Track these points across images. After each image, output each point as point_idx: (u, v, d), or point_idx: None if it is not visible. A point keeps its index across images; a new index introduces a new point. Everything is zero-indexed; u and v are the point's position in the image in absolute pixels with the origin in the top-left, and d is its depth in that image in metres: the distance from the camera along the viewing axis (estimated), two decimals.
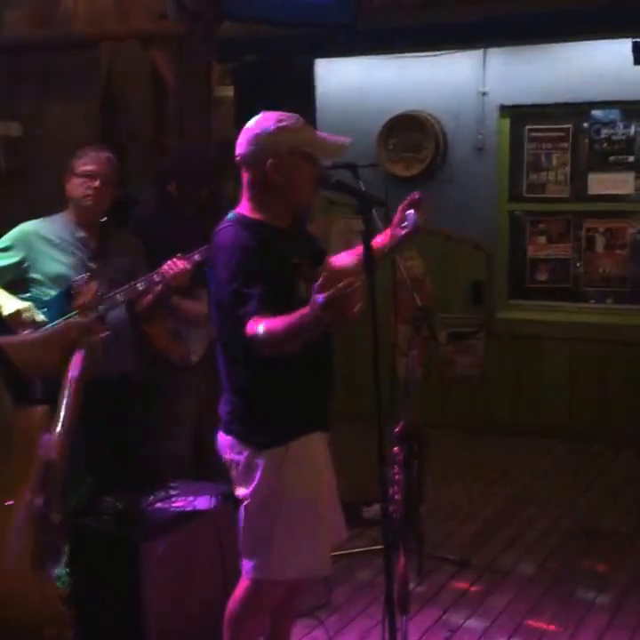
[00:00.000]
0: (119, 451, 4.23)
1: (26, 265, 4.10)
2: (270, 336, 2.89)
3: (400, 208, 3.33)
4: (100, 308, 3.97)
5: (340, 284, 2.68)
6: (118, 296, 4.02)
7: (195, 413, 4.98)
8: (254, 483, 3.10)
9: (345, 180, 3.13)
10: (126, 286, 4.03)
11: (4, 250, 4.13)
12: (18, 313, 3.91)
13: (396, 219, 3.33)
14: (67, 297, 4.02)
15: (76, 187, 4.11)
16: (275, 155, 3.03)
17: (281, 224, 3.16)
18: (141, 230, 4.73)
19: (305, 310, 2.80)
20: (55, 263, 4.11)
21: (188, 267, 4.06)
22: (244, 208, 3.15)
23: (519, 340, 7.14)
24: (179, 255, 4.07)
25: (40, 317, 3.96)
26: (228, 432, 3.17)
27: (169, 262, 4.06)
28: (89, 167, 4.10)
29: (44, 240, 4.12)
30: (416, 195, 3.35)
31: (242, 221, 3.11)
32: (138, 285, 4.05)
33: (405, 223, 3.32)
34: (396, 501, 3.90)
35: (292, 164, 3.06)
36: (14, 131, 5.06)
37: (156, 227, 4.74)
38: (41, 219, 4.21)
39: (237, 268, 2.98)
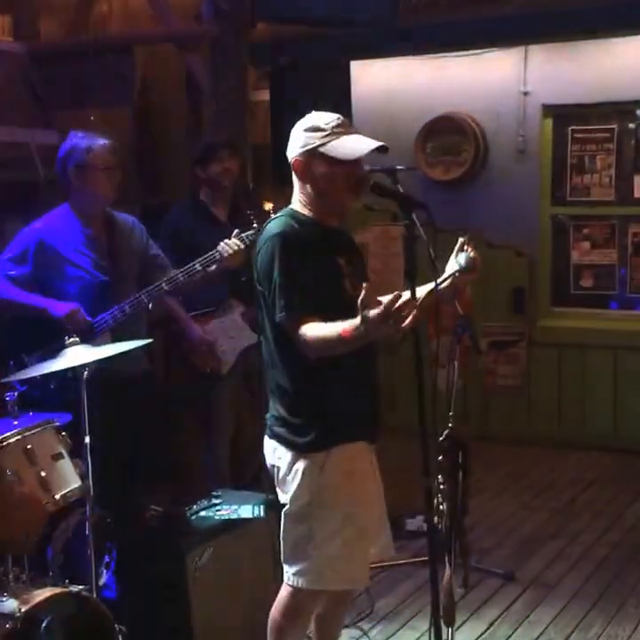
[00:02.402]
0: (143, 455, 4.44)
1: (40, 272, 4.26)
2: (316, 342, 3.06)
3: (452, 256, 3.43)
4: (164, 285, 4.22)
5: (388, 300, 2.83)
6: (180, 276, 4.23)
7: (230, 425, 5.20)
8: (294, 488, 3.24)
9: (384, 183, 3.24)
10: (189, 267, 4.23)
11: (17, 259, 4.28)
12: (75, 312, 4.12)
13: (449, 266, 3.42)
14: (103, 292, 4.25)
15: (97, 182, 4.24)
16: (298, 155, 3.22)
17: (329, 223, 3.30)
18: (176, 235, 5.00)
19: (352, 323, 2.94)
20: (69, 267, 4.26)
21: (242, 246, 4.22)
22: (294, 204, 3.32)
23: (562, 349, 7.24)
24: (236, 231, 4.23)
25: (88, 318, 4.18)
26: (271, 436, 3.32)
27: (223, 243, 4.21)
28: (105, 161, 4.24)
29: (56, 244, 4.26)
30: (464, 239, 3.45)
31: (293, 215, 3.26)
32: (197, 266, 4.23)
33: (458, 268, 3.40)
34: (441, 512, 4.07)
35: (312, 165, 3.20)
36: (52, 139, 5.28)
37: (189, 234, 4.99)
38: (44, 218, 4.33)
39: (284, 260, 3.12)
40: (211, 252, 4.22)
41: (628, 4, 6.30)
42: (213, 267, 4.24)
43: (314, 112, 3.27)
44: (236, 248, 4.19)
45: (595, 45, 6.93)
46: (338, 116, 3.26)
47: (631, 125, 7.17)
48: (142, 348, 4.16)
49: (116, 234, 4.40)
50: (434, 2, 7.04)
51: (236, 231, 4.25)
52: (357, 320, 2.91)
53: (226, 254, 4.20)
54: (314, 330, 3.06)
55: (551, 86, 7.18)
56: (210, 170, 5.13)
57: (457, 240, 3.46)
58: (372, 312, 2.86)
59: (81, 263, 4.28)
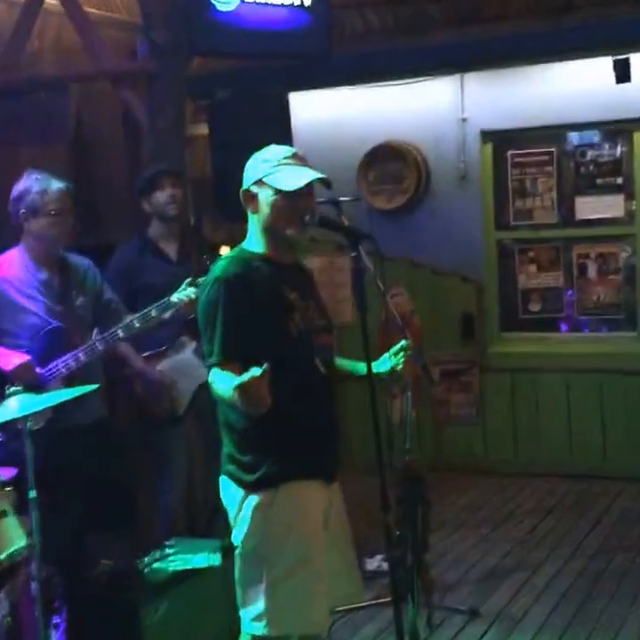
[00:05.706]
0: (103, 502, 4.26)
1: None
2: (216, 391, 3.04)
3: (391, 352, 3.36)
4: (119, 332, 4.13)
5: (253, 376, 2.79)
6: (135, 322, 4.16)
7: (186, 468, 5.02)
8: (244, 528, 3.15)
9: (329, 215, 3.24)
10: (144, 312, 4.17)
11: None
12: (23, 368, 3.98)
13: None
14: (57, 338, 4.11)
15: (48, 227, 4.15)
16: (246, 186, 3.22)
17: (280, 258, 3.24)
18: (124, 275, 4.83)
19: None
20: (22, 313, 4.14)
21: (196, 294, 4.12)
22: (246, 241, 3.28)
23: (515, 374, 7.18)
24: (188, 280, 4.17)
25: (38, 370, 4.02)
26: (223, 473, 3.24)
27: (177, 294, 4.16)
28: (58, 205, 4.15)
29: (9, 290, 4.14)
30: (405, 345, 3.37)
31: (241, 254, 3.24)
32: (152, 312, 4.17)
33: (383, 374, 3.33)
34: (402, 548, 3.94)
35: (259, 196, 3.18)
36: None
37: (139, 272, 4.83)
38: None
39: (212, 304, 3.10)
40: (164, 299, 4.16)
41: (558, 32, 6.41)
42: (167, 314, 4.18)
43: (272, 146, 3.25)
44: (192, 296, 4.10)
45: (530, 71, 6.95)
46: (293, 149, 3.28)
47: (569, 147, 7.17)
48: (98, 395, 4.05)
49: (70, 277, 4.30)
50: (368, 30, 7.03)
51: (188, 280, 4.18)
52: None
53: (182, 304, 4.15)
54: (217, 378, 3.05)
55: (488, 112, 7.19)
56: (155, 200, 4.98)
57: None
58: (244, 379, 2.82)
59: (34, 309, 4.16)
